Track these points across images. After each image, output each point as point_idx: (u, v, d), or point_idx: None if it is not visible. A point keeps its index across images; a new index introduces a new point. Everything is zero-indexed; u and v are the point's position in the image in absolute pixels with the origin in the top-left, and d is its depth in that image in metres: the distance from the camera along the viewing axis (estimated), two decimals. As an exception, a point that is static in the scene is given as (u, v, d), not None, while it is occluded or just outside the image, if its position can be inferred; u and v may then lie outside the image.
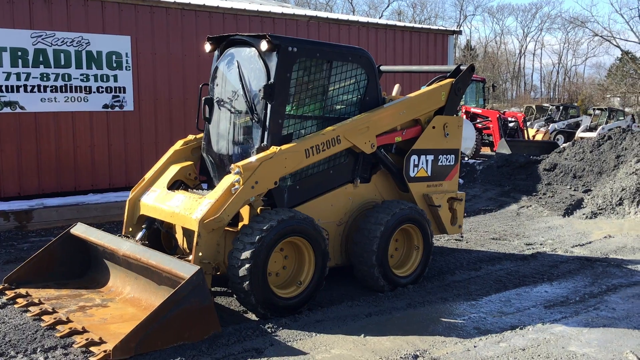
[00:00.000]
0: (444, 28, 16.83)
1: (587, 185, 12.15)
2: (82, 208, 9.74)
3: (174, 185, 6.46)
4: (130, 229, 6.45)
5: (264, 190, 5.74)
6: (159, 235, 6.66)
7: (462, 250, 8.51)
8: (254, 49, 6.10)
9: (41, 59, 9.91)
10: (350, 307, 5.93)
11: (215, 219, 5.43)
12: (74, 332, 4.94)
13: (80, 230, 6.26)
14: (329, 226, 6.40)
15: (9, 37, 9.62)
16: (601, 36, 53.01)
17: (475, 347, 5.08)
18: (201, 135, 6.78)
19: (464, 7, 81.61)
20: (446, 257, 8.02)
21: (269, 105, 5.90)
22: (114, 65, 10.60)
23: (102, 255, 6.12)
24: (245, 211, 5.83)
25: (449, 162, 7.27)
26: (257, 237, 5.36)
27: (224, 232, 5.65)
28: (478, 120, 21.23)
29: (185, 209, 5.76)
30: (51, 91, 10.04)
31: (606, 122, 28.51)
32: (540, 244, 8.89)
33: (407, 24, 16.90)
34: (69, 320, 5.16)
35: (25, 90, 9.83)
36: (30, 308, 5.52)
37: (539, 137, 24.66)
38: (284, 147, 5.82)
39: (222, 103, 6.39)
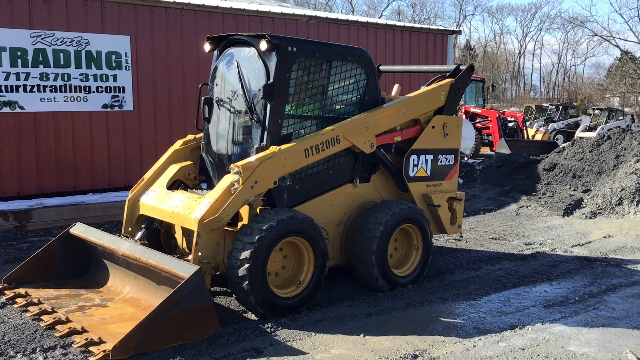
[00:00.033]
0: (444, 28, 16.84)
1: (587, 185, 12.16)
2: (82, 208, 9.74)
3: (173, 185, 6.46)
4: (130, 229, 6.45)
5: (264, 190, 5.74)
6: (159, 235, 6.65)
7: (461, 250, 8.51)
8: (253, 48, 6.10)
9: (40, 59, 9.91)
10: (350, 307, 5.93)
11: (214, 219, 5.43)
12: (73, 332, 4.94)
13: (80, 230, 6.26)
14: (329, 226, 6.39)
15: (8, 36, 9.61)
16: (600, 36, 53.05)
17: (474, 346, 5.08)
18: (200, 135, 6.77)
19: (463, 7, 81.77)
20: (446, 257, 8.02)
21: (269, 105, 5.89)
22: (114, 65, 10.60)
23: (101, 255, 6.12)
24: (244, 211, 5.83)
25: (449, 161, 7.27)
26: (257, 237, 5.36)
27: (223, 232, 5.65)
28: (477, 120, 21.23)
29: (185, 209, 5.76)
30: (50, 91, 10.04)
31: (605, 122, 28.53)
32: (540, 244, 8.89)
33: (407, 24, 16.90)
34: (68, 320, 5.16)
35: (25, 90, 9.83)
36: (29, 308, 5.52)
37: (538, 137, 24.67)
38: (283, 147, 5.82)
39: (221, 103, 6.39)
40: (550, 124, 28.22)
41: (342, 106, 6.56)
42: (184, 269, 4.98)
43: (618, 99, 47.97)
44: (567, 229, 9.95)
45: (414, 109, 6.92)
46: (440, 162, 7.18)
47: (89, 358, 4.53)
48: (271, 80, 5.87)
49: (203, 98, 6.51)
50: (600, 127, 26.89)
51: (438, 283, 6.84)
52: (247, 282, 5.31)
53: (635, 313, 5.99)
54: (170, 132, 11.19)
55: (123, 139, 10.84)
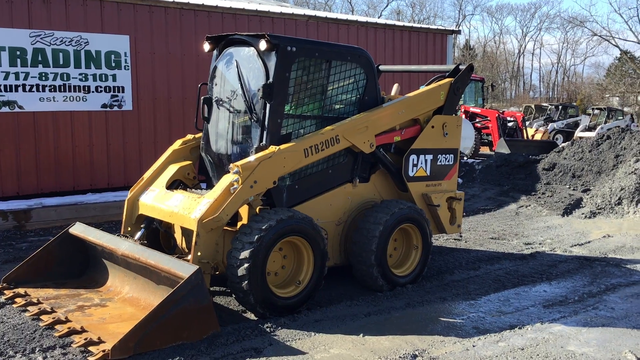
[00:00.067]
0: (443, 28, 16.84)
1: (586, 184, 12.16)
2: (81, 207, 9.73)
3: (172, 185, 6.45)
4: (129, 229, 6.44)
5: (263, 189, 5.74)
6: (158, 234, 6.65)
7: (461, 249, 8.51)
8: (252, 48, 6.10)
9: (40, 59, 9.90)
10: (349, 307, 5.93)
11: (214, 219, 5.42)
12: (72, 332, 4.93)
13: (79, 229, 6.25)
14: (328, 226, 6.39)
15: (7, 36, 9.61)
16: (600, 36, 53.08)
17: (474, 346, 5.08)
18: (200, 134, 6.77)
19: (462, 6, 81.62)
20: (445, 257, 8.02)
21: (268, 105, 5.89)
22: (113, 64, 10.59)
23: (100, 255, 6.12)
24: (244, 211, 5.83)
25: (448, 161, 7.27)
26: (256, 236, 5.35)
27: (222, 231, 5.64)
28: (477, 120, 21.24)
29: (184, 209, 5.76)
30: (50, 91, 10.03)
31: (605, 122, 28.52)
32: (539, 244, 8.89)
33: (406, 24, 16.91)
34: (67, 320, 5.15)
35: (24, 90, 9.83)
36: (28, 308, 5.51)
37: (538, 136, 24.68)
38: (282, 146, 5.82)
39: (221, 102, 6.38)
40: (550, 124, 28.21)
41: (341, 106, 6.56)
42: (184, 269, 4.98)
43: (617, 98, 48.01)
44: (567, 228, 9.96)
45: (413, 108, 6.92)
46: (440, 161, 7.18)
47: (88, 358, 4.53)
48: (270, 80, 5.87)
49: (202, 98, 6.51)
50: (600, 126, 26.90)
51: (437, 283, 6.84)
52: (246, 281, 5.30)
53: (635, 313, 5.99)
54: (170, 132, 11.19)
55: (122, 139, 10.83)
